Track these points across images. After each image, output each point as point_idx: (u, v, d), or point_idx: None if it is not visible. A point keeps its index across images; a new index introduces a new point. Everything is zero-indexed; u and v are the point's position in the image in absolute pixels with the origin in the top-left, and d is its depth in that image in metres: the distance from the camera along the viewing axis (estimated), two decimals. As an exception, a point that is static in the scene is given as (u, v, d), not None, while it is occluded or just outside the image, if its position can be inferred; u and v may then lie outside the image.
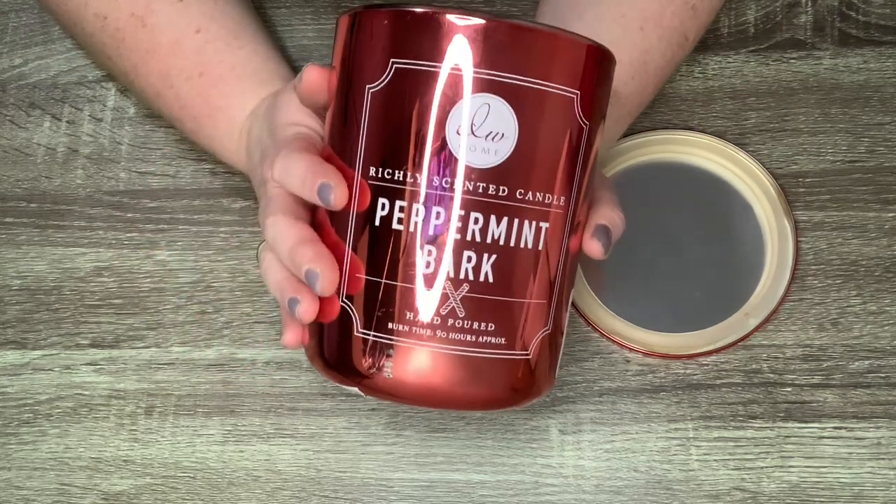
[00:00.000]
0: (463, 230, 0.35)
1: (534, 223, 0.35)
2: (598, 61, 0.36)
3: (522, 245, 0.35)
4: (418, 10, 0.34)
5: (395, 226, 0.35)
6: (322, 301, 0.37)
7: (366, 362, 0.36)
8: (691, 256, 0.54)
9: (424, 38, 0.34)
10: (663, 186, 0.55)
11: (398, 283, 0.35)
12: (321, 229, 0.38)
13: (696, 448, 0.51)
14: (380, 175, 0.35)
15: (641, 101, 0.49)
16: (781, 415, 0.51)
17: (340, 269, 0.37)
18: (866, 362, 0.52)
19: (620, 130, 0.50)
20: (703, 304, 0.53)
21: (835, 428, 0.51)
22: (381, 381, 0.36)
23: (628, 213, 0.54)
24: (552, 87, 0.35)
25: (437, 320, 0.35)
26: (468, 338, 0.35)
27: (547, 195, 0.35)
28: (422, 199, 0.35)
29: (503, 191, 0.35)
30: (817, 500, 0.50)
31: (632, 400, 0.52)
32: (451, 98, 0.34)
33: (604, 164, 0.55)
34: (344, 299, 0.37)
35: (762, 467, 0.51)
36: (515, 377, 0.37)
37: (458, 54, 0.34)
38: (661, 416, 0.52)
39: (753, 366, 0.52)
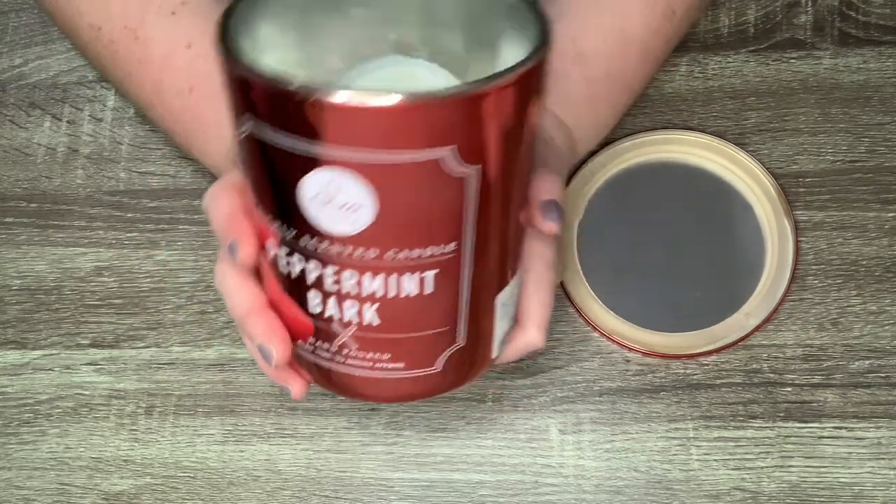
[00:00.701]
0: (338, 283, 0.34)
1: (416, 274, 0.33)
2: (477, 106, 0.31)
3: (405, 294, 0.34)
4: (264, 76, 0.30)
5: (281, 268, 0.35)
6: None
7: (306, 369, 0.39)
8: (691, 256, 0.54)
9: (273, 105, 0.30)
10: (663, 186, 0.55)
11: (301, 315, 0.36)
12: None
13: (697, 448, 0.51)
14: (263, 216, 0.34)
15: (623, 69, 0.48)
16: (781, 415, 0.51)
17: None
18: (866, 362, 0.52)
19: (596, 92, 0.48)
20: (703, 304, 0.53)
21: (835, 428, 0.51)
22: (316, 382, 0.40)
23: (628, 213, 0.54)
24: (410, 155, 0.30)
25: (335, 348, 0.36)
26: (365, 363, 0.37)
27: (429, 248, 0.33)
28: (296, 252, 0.34)
29: (373, 252, 0.33)
30: (817, 499, 0.50)
31: (632, 400, 0.52)
32: (302, 169, 0.31)
33: (604, 163, 0.55)
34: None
35: (762, 467, 0.51)
36: (425, 386, 0.38)
37: (307, 128, 0.30)
38: (661, 415, 0.52)
39: (754, 365, 0.52)
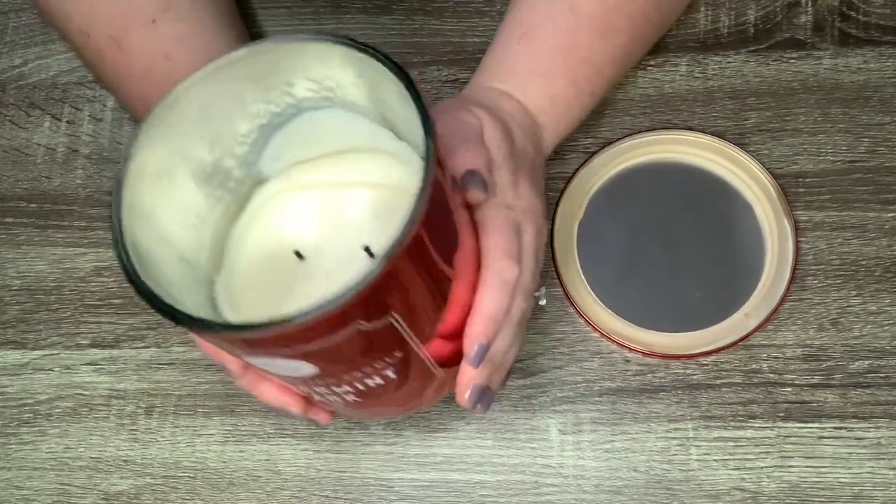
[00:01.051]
0: (315, 392, 0.39)
1: (374, 377, 0.37)
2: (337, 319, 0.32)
3: (372, 386, 0.38)
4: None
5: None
6: None
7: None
8: (691, 256, 0.54)
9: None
10: (663, 186, 0.55)
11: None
12: None
13: (696, 448, 0.51)
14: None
15: (573, 43, 0.49)
16: (781, 415, 0.51)
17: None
18: (866, 362, 0.52)
19: (546, 67, 0.49)
20: (703, 304, 0.53)
21: (835, 428, 0.51)
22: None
23: (628, 213, 0.54)
24: (328, 339, 0.33)
25: (336, 406, 0.42)
26: (360, 411, 0.44)
27: (375, 365, 0.36)
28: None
29: (329, 380, 0.37)
30: (817, 499, 0.50)
31: (632, 400, 0.52)
32: (238, 353, 0.36)
33: (604, 163, 0.55)
34: None
35: (762, 467, 0.51)
36: (413, 407, 0.45)
37: (254, 348, 0.34)
38: (660, 416, 0.52)
39: (753, 366, 0.52)
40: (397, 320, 0.34)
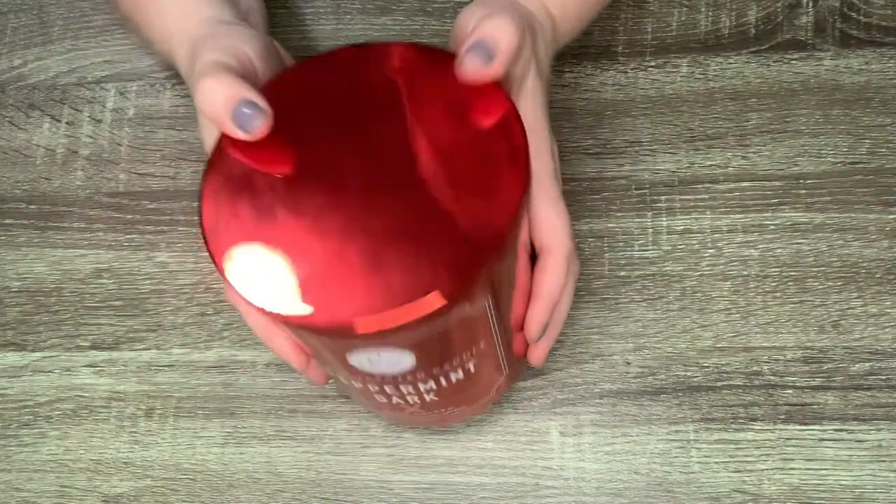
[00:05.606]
0: (398, 397, 0.41)
1: (458, 370, 0.39)
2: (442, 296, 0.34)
3: (454, 382, 0.40)
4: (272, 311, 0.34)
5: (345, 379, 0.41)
6: None
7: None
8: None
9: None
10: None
11: (372, 397, 0.43)
12: None
13: (697, 450, 0.51)
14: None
15: None
16: (782, 417, 0.51)
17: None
18: (867, 364, 0.52)
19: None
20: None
21: (835, 430, 0.51)
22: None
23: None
24: (422, 327, 0.34)
25: (393, 407, 0.44)
26: (427, 413, 0.45)
27: (463, 356, 0.38)
28: (354, 375, 0.39)
29: (420, 374, 0.38)
30: (818, 502, 0.50)
31: (632, 402, 0.52)
32: (345, 350, 0.36)
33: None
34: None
35: (763, 469, 0.51)
36: (481, 408, 0.47)
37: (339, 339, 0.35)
38: (661, 418, 0.52)
39: (754, 368, 0.52)
40: (489, 304, 0.36)
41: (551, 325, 0.43)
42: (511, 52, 0.35)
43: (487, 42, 0.35)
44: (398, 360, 0.36)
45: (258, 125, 0.34)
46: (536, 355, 0.44)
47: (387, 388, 0.40)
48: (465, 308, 0.34)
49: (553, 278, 0.40)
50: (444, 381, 0.40)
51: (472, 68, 0.34)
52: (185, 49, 0.43)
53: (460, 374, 0.40)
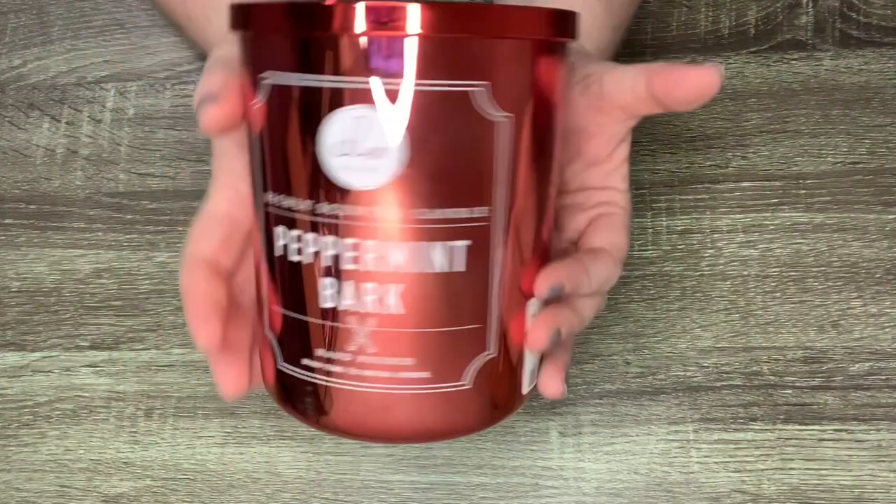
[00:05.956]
0: (359, 260, 0.31)
1: (446, 244, 0.31)
2: (513, 40, 0.29)
3: (436, 269, 0.31)
4: (269, 15, 0.29)
5: (292, 257, 0.32)
6: (260, 329, 0.35)
7: (290, 396, 0.34)
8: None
9: (285, 48, 0.29)
10: (664, 188, 0.54)
11: (306, 318, 0.32)
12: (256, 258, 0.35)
13: (697, 450, 0.51)
14: (273, 201, 0.32)
15: (632, 8, 0.48)
16: (782, 417, 0.51)
17: (259, 300, 0.34)
18: (867, 364, 0.52)
19: (616, 39, 0.48)
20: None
21: (835, 430, 0.51)
22: (306, 416, 0.34)
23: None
24: (441, 87, 0.29)
25: (349, 357, 0.32)
26: (384, 374, 0.32)
27: (457, 210, 0.30)
28: (311, 228, 0.31)
29: (398, 213, 0.30)
30: (818, 502, 0.50)
31: (632, 402, 0.52)
32: (323, 113, 0.29)
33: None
34: (268, 331, 0.34)
35: (762, 470, 0.51)
36: (453, 409, 0.33)
37: (323, 63, 0.29)
38: (661, 418, 0.52)
39: (754, 368, 0.52)
40: (513, 135, 0.30)
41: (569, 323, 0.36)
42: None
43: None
44: (383, 144, 0.29)
45: (204, 111, 0.33)
46: (537, 338, 0.34)
47: (345, 254, 0.31)
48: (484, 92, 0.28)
49: (605, 267, 0.37)
50: (418, 262, 0.31)
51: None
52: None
53: (442, 261, 0.31)
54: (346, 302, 0.31)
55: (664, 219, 0.55)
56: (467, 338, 0.32)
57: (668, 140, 0.56)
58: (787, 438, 0.51)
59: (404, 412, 0.32)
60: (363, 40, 0.28)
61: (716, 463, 0.51)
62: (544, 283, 0.34)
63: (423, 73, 0.28)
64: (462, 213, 0.31)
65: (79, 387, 0.56)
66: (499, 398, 0.34)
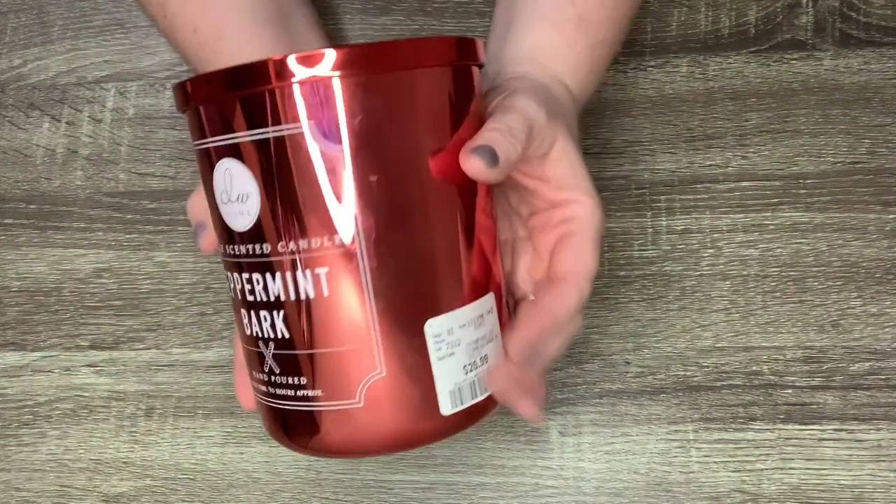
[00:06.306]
0: (251, 292, 0.35)
1: (307, 272, 0.34)
2: (320, 85, 0.33)
3: (304, 297, 0.34)
4: (177, 90, 0.36)
5: (230, 289, 0.38)
6: None
7: (265, 417, 0.39)
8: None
9: (189, 118, 0.36)
10: (664, 188, 0.54)
11: (243, 344, 0.38)
12: None
13: (697, 450, 0.51)
14: (221, 251, 0.38)
15: (615, 32, 0.48)
16: (782, 417, 0.51)
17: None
18: (867, 364, 0.52)
19: (595, 60, 0.48)
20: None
21: (835, 430, 0.51)
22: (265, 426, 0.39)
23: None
24: (274, 132, 0.33)
25: (264, 377, 0.36)
26: (288, 392, 0.35)
27: (313, 240, 0.33)
28: (227, 267, 0.37)
29: (266, 248, 0.34)
30: (817, 501, 0.50)
31: (632, 402, 0.52)
32: (209, 169, 0.35)
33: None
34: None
35: (762, 469, 0.51)
36: (351, 427, 0.35)
37: (196, 129, 0.35)
38: (661, 417, 0.52)
39: (754, 368, 0.52)
40: (350, 165, 0.33)
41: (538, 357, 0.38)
42: (512, 165, 0.36)
43: (492, 149, 0.36)
44: (245, 188, 0.34)
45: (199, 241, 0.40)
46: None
47: (245, 286, 0.35)
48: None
49: (567, 299, 0.38)
50: (291, 290, 0.34)
51: (474, 168, 0.35)
52: None
53: (310, 288, 0.34)
54: (253, 329, 0.36)
55: (664, 219, 0.55)
56: (352, 358, 0.34)
57: (668, 140, 0.56)
58: (787, 438, 0.51)
59: (309, 428, 0.36)
60: (200, 111, 0.35)
61: (716, 462, 0.51)
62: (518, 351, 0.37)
63: (247, 126, 0.33)
64: (316, 242, 0.34)
65: (79, 386, 0.56)
66: (403, 418, 0.35)
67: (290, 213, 0.33)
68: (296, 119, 0.33)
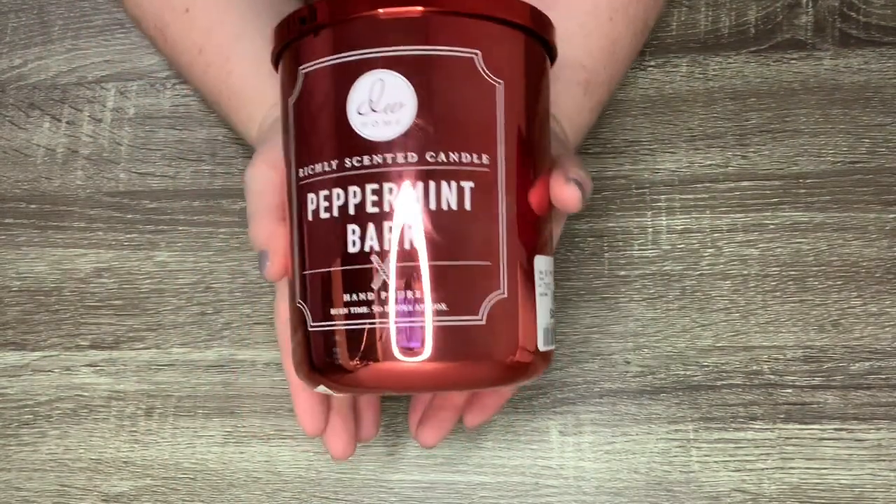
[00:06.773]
0: (380, 203, 0.35)
1: (453, 184, 0.36)
2: (501, 18, 0.37)
3: (445, 207, 0.35)
4: (296, 17, 0.37)
5: (322, 215, 0.37)
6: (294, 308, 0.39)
7: (320, 359, 0.37)
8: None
9: (315, 41, 0.37)
10: (664, 187, 0.54)
11: (332, 269, 0.36)
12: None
13: (697, 450, 0.51)
14: (305, 174, 0.37)
15: (611, 89, 0.51)
16: (782, 416, 0.51)
17: (288, 265, 0.39)
18: (867, 363, 0.52)
19: (593, 118, 0.50)
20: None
21: (835, 429, 0.51)
22: (335, 372, 0.36)
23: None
24: (443, 51, 0.36)
25: (371, 296, 0.35)
26: (404, 308, 0.35)
27: (463, 155, 0.36)
28: (337, 184, 0.36)
29: (412, 157, 0.35)
30: (818, 501, 0.50)
31: (632, 401, 0.52)
32: (347, 83, 0.36)
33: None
34: (298, 301, 0.38)
35: (763, 469, 0.51)
36: (471, 346, 0.36)
37: (344, 42, 0.36)
38: (661, 417, 0.52)
39: (754, 367, 0.52)
40: (507, 98, 0.37)
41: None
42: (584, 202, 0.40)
43: (586, 186, 0.39)
44: (399, 99, 0.36)
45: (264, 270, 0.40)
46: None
47: (368, 198, 0.36)
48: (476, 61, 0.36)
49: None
50: (432, 200, 0.35)
51: (570, 196, 0.38)
52: (255, 132, 0.49)
53: (452, 199, 0.36)
54: (369, 243, 0.36)
55: (664, 218, 0.55)
56: (479, 274, 0.36)
57: (668, 140, 0.56)
58: (787, 437, 0.51)
59: (426, 346, 0.35)
60: (381, 18, 0.36)
61: (716, 462, 0.51)
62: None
63: (427, 41, 0.36)
64: (468, 157, 0.36)
65: (79, 386, 0.56)
66: (515, 344, 0.37)
67: (448, 127, 0.36)
68: (473, 45, 0.36)
